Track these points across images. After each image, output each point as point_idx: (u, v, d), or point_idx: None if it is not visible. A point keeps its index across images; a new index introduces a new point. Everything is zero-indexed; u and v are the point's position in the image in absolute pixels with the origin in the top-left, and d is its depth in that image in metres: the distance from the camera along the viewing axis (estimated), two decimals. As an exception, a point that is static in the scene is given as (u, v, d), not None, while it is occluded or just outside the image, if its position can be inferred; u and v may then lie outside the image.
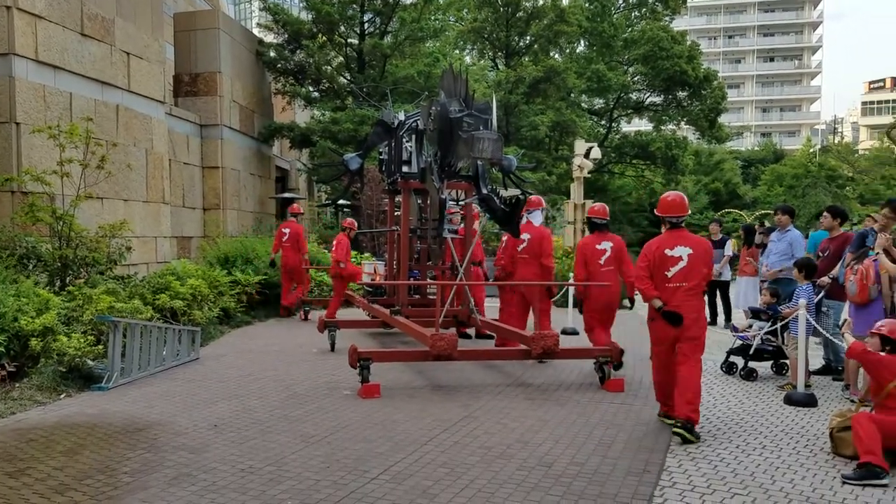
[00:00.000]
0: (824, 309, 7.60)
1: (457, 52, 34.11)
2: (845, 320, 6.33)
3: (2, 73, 9.96)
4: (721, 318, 11.93)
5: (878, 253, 6.27)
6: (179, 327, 8.16)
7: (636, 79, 33.82)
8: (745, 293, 11.19)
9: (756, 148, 58.78)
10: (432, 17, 26.46)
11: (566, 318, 11.00)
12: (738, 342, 7.83)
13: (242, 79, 19.06)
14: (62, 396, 6.36)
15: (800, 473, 4.54)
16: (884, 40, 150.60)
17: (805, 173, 39.62)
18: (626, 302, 14.81)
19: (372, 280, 12.26)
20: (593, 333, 7.84)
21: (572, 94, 30.97)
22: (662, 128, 35.08)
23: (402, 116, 9.91)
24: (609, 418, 5.85)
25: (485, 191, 8.04)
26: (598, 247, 7.81)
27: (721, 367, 7.89)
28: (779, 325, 7.38)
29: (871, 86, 76.58)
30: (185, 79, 17.82)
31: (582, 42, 34.76)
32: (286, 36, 21.61)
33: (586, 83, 31.69)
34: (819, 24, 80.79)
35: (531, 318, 8.61)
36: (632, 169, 36.69)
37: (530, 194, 9.06)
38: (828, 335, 7.34)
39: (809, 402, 6.36)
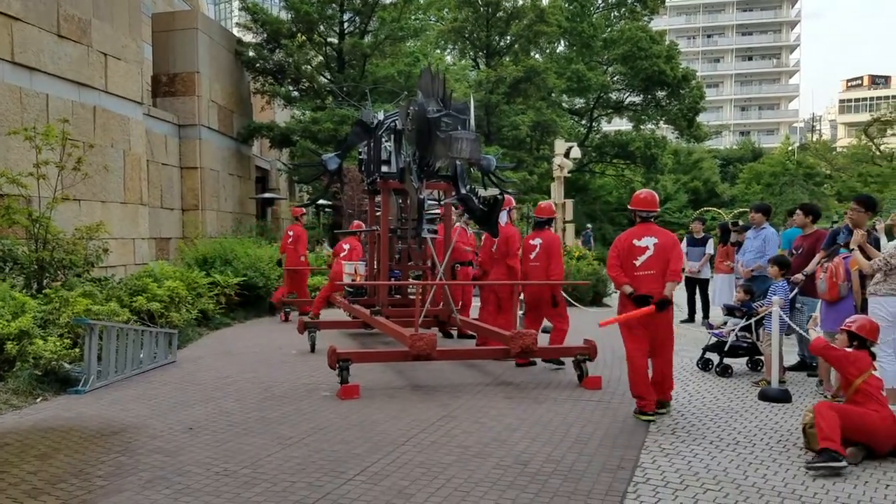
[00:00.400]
0: (798, 305, 7.71)
1: (437, 51, 34.10)
2: (810, 316, 6.41)
3: (-24, 75, 9.85)
4: (699, 314, 12.06)
5: (852, 249, 6.33)
6: (156, 330, 8.10)
7: (615, 79, 34.08)
8: (721, 290, 11.29)
9: (735, 146, 59.30)
10: (412, 17, 26.43)
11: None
12: (714, 339, 7.91)
13: (221, 79, 18.95)
14: (38, 400, 6.29)
15: (772, 469, 4.60)
16: (861, 38, 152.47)
17: (783, 171, 40.09)
18: (607, 301, 14.92)
19: (352, 280, 12.25)
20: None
21: (553, 94, 31.13)
22: (642, 127, 35.35)
23: (381, 116, 9.91)
24: (586, 416, 5.90)
25: (463, 191, 8.10)
26: (531, 242, 8.17)
27: (697, 364, 7.99)
28: (753, 321, 7.48)
29: (849, 84, 77.63)
30: (164, 79, 17.72)
31: (562, 42, 34.97)
32: (265, 35, 21.52)
33: (566, 83, 31.85)
34: (797, 23, 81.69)
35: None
36: (612, 168, 36.97)
37: (510, 194, 9.11)
38: (801, 331, 7.43)
39: (784, 398, 6.44)
